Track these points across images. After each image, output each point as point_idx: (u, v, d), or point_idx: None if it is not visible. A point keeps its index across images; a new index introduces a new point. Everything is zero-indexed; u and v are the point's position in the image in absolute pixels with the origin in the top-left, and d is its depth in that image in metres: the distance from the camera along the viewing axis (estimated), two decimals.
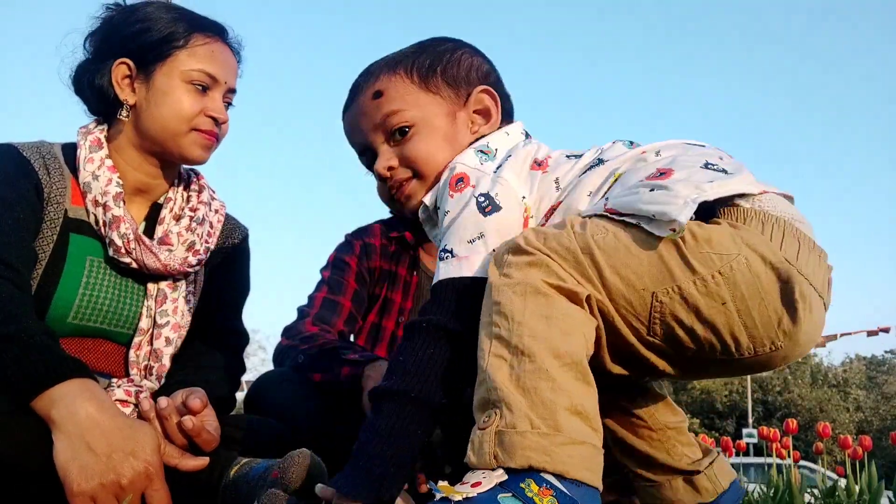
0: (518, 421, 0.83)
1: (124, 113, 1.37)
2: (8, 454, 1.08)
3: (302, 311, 1.80)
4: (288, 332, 1.77)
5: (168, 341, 1.38)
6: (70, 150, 1.38)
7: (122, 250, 1.32)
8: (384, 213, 2.01)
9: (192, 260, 1.41)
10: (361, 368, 1.56)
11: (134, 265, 1.34)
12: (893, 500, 2.71)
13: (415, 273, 1.85)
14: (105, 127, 1.40)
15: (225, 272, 1.53)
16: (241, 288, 1.58)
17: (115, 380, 1.34)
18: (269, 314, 43.38)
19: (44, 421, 1.08)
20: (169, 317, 1.39)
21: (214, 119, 1.38)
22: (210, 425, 1.19)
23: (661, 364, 0.99)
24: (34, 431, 1.08)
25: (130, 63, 1.36)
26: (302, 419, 1.53)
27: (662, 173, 0.96)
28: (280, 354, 1.74)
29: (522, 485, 0.81)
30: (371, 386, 1.54)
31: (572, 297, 0.90)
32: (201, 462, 1.15)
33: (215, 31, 1.42)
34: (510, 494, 0.81)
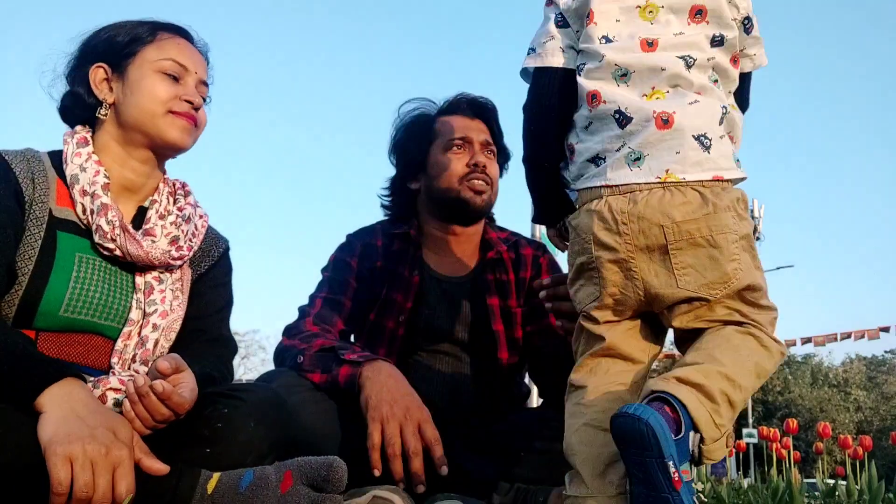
0: None
1: (103, 111, 1.44)
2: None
3: (303, 311, 1.81)
4: (289, 331, 1.77)
5: (155, 327, 1.41)
6: (56, 155, 1.43)
7: (108, 236, 1.36)
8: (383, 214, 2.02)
9: (175, 253, 1.45)
10: (360, 368, 1.56)
11: (118, 252, 1.38)
12: (893, 500, 2.71)
13: (416, 272, 1.85)
14: (89, 129, 1.46)
15: (211, 283, 1.58)
16: (226, 300, 1.62)
17: (111, 373, 1.35)
18: (269, 314, 43.38)
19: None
20: (157, 305, 1.43)
21: (190, 104, 1.44)
22: (185, 388, 1.22)
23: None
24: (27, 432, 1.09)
25: (106, 66, 1.44)
26: (303, 420, 1.53)
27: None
28: (280, 354, 1.75)
29: None
30: (369, 386, 1.54)
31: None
32: (161, 467, 1.16)
33: (179, 30, 1.51)
34: None
